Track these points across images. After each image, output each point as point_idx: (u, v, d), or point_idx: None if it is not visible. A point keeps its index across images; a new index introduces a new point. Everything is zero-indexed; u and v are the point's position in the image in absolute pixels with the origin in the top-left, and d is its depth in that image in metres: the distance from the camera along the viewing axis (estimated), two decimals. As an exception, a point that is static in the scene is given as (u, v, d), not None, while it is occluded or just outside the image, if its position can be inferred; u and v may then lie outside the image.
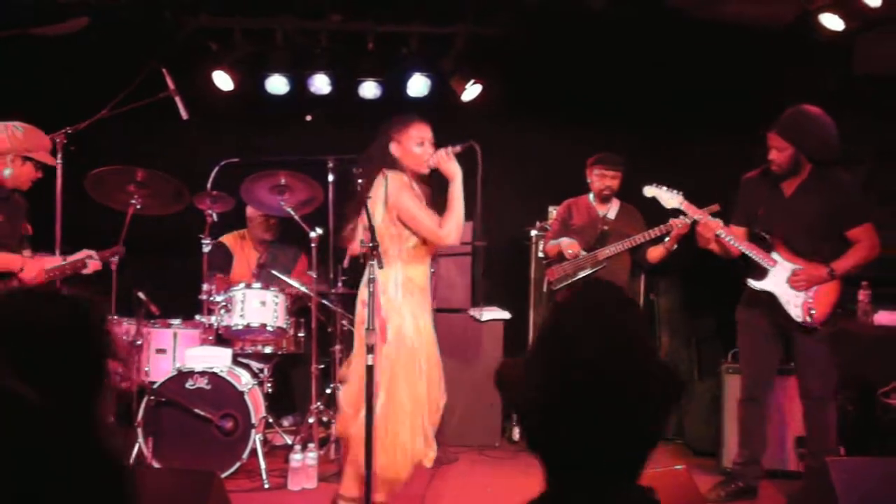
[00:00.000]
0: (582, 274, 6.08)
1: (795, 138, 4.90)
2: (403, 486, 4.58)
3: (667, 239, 5.91)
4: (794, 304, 4.93)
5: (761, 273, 5.02)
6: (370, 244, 4.16)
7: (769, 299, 4.99)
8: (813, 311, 4.90)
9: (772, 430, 5.47)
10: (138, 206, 5.58)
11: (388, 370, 4.37)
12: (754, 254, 5.01)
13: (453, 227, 4.51)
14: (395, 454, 4.38)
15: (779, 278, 4.97)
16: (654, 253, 6.10)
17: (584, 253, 6.08)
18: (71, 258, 5.05)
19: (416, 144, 4.58)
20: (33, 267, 4.83)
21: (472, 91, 7.05)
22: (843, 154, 5.02)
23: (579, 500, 1.39)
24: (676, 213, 5.46)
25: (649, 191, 5.37)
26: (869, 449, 5.39)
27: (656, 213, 5.95)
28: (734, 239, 5.04)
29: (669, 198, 5.25)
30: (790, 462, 5.61)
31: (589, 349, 1.38)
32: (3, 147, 4.79)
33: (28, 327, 1.61)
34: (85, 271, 5.10)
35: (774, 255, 5.00)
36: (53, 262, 5.03)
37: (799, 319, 4.92)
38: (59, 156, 5.35)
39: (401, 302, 4.47)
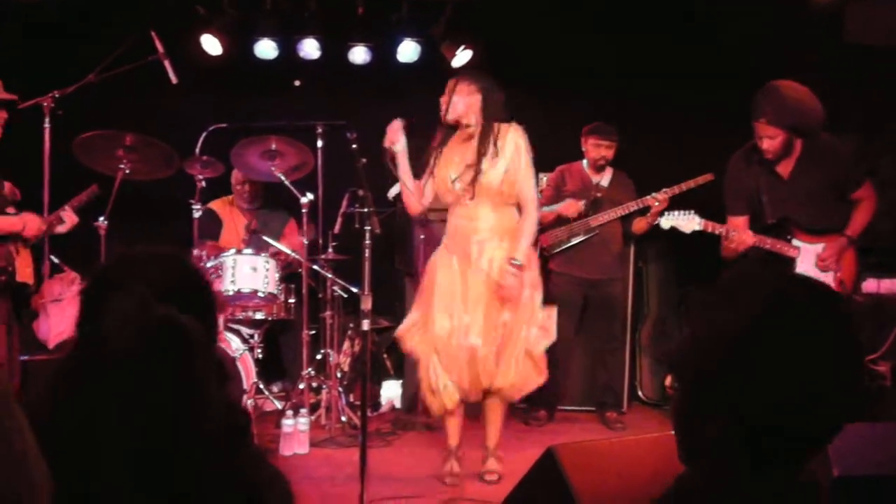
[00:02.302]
0: (575, 240, 6.10)
1: (786, 122, 4.80)
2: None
3: (649, 213, 5.91)
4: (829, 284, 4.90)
5: (789, 261, 4.95)
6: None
7: None
8: (843, 283, 4.90)
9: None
10: (127, 171, 5.52)
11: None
12: (779, 248, 4.93)
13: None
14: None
15: (807, 264, 4.92)
16: (638, 226, 6.13)
17: (577, 220, 6.10)
18: (45, 218, 5.00)
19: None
20: (33, 222, 4.77)
21: (462, 57, 7.00)
22: (828, 119, 4.99)
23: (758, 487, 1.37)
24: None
25: (667, 222, 5.26)
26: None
27: (649, 181, 5.96)
28: (762, 241, 4.93)
29: (686, 222, 5.11)
30: None
31: (816, 336, 1.35)
32: None
33: (184, 276, 1.77)
34: (61, 228, 5.05)
35: (796, 243, 4.95)
36: None
37: None
38: (47, 120, 5.29)
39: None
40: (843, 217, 4.96)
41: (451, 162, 4.72)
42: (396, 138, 4.75)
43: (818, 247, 4.91)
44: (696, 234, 5.36)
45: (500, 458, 4.84)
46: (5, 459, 0.91)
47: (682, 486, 1.41)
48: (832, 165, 4.94)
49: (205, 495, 1.21)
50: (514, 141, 4.65)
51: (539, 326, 4.70)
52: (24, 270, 4.73)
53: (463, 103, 4.66)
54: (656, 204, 5.77)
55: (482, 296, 4.58)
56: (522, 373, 4.67)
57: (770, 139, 4.85)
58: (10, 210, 4.92)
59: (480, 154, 4.60)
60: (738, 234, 4.94)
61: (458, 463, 4.80)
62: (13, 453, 0.92)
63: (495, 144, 4.61)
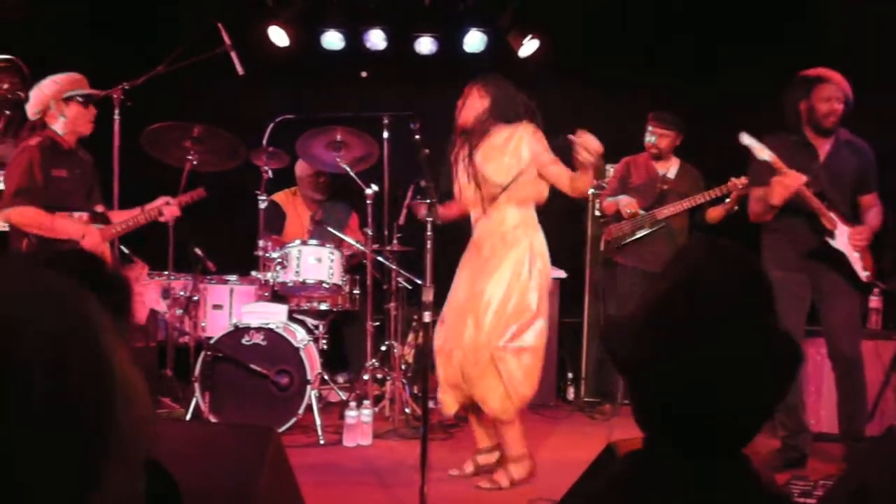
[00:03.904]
0: (640, 234, 6.01)
1: (848, 93, 4.81)
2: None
3: (727, 200, 5.80)
4: (860, 265, 4.83)
5: (829, 232, 4.85)
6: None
7: (834, 261, 4.85)
8: (867, 271, 4.82)
9: (834, 396, 5.40)
10: (195, 162, 5.59)
11: None
12: (824, 212, 4.81)
13: None
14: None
15: (843, 239, 4.86)
16: (714, 213, 5.99)
17: (642, 212, 5.99)
18: (148, 207, 5.12)
19: None
20: (94, 235, 4.86)
21: (529, 46, 6.95)
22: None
23: (681, 468, 1.32)
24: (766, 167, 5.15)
25: (746, 139, 5.07)
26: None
27: (716, 173, 5.84)
28: (812, 199, 4.78)
29: (761, 149, 4.92)
30: (821, 423, 5.54)
31: (722, 306, 1.30)
32: (42, 101, 4.81)
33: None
34: (161, 219, 5.18)
35: (832, 215, 4.87)
36: (131, 213, 5.12)
37: (866, 280, 4.82)
38: (117, 111, 5.36)
39: None
40: (857, 216, 4.94)
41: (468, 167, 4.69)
42: None
43: (847, 228, 4.83)
44: (759, 228, 5.23)
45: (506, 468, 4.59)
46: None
47: (616, 469, 1.39)
48: (861, 161, 4.92)
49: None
50: (521, 140, 4.58)
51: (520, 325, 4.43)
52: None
53: (471, 110, 4.63)
54: (739, 187, 5.64)
55: (470, 300, 4.50)
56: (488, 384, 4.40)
57: (838, 102, 4.80)
58: (99, 207, 5.02)
59: (487, 158, 4.56)
60: (794, 172, 4.77)
61: (474, 465, 4.71)
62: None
63: (505, 146, 4.56)
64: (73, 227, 4.81)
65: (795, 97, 4.92)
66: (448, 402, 4.62)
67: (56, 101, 4.82)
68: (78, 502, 0.90)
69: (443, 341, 4.54)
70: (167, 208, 5.16)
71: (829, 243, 4.86)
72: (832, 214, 4.82)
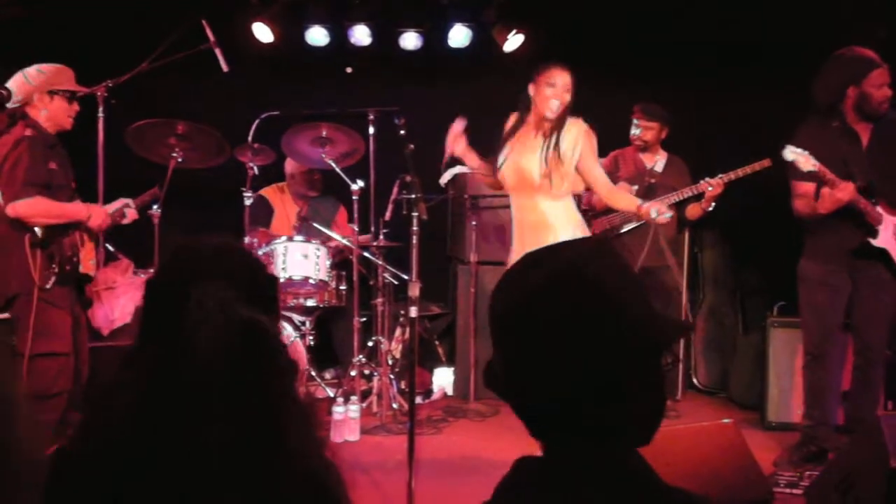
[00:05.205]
0: (628, 227, 6.02)
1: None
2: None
3: (703, 199, 5.80)
4: None
5: (871, 231, 4.75)
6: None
7: (875, 256, 4.75)
8: None
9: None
10: (179, 160, 5.56)
11: None
12: (869, 211, 4.70)
13: None
14: None
15: (887, 234, 4.74)
16: (692, 212, 6.01)
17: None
18: (109, 208, 5.01)
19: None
20: (99, 213, 4.80)
21: (514, 41, 6.93)
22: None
23: (561, 464, 1.35)
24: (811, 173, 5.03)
25: (790, 153, 4.86)
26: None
27: (703, 167, 5.85)
28: (858, 200, 4.65)
29: (805, 160, 4.66)
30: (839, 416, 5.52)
31: (560, 327, 1.33)
32: (25, 92, 4.71)
33: (250, 268, 1.77)
34: (124, 222, 5.08)
35: (878, 210, 4.75)
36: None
37: None
38: (101, 109, 5.33)
39: None
40: None
41: (526, 149, 4.72)
42: (457, 143, 4.80)
43: (894, 219, 4.76)
44: (752, 223, 5.25)
45: None
46: None
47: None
48: None
49: (281, 482, 1.25)
50: (576, 134, 4.69)
51: None
52: (87, 262, 4.77)
53: (566, 97, 4.69)
54: (710, 189, 5.65)
55: None
56: None
57: (889, 87, 4.68)
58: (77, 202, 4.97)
59: (557, 146, 4.65)
60: (846, 182, 4.63)
61: None
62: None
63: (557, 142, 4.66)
64: (79, 209, 4.73)
65: (843, 80, 4.75)
66: None
67: (41, 94, 4.74)
68: None
69: None
70: (129, 211, 5.06)
71: (869, 243, 4.77)
72: (879, 209, 4.72)
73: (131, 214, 5.08)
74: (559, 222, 4.65)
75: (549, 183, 4.62)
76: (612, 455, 1.33)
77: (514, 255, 4.75)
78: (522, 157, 4.71)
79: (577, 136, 4.68)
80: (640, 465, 1.34)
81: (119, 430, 1.22)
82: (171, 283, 1.69)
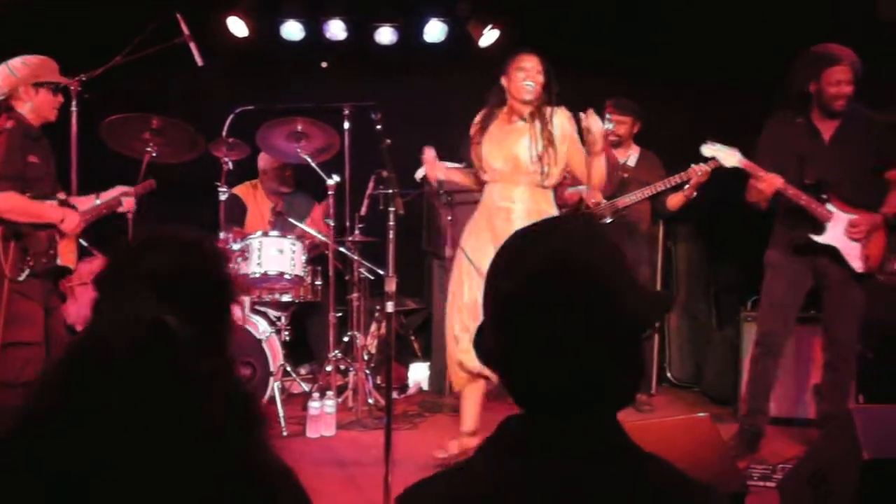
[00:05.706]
0: (601, 222, 6.03)
1: (859, 70, 4.73)
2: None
3: (686, 186, 5.84)
4: (854, 255, 4.78)
5: (818, 227, 4.81)
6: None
7: (831, 253, 4.81)
8: (869, 259, 4.78)
9: (791, 379, 5.47)
10: (154, 154, 5.52)
11: None
12: (813, 208, 4.78)
13: None
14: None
15: (837, 231, 4.78)
16: (674, 200, 6.03)
17: (604, 201, 6.02)
18: (105, 196, 5.00)
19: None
20: (73, 218, 4.76)
21: (489, 36, 6.95)
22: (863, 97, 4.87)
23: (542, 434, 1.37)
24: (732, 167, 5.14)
25: (708, 150, 4.99)
26: (889, 397, 5.35)
27: (676, 160, 5.88)
28: (798, 196, 4.77)
29: (728, 156, 4.88)
30: (809, 410, 5.57)
31: (560, 304, 1.35)
32: (11, 83, 4.67)
33: (174, 272, 1.78)
34: (120, 210, 5.06)
35: (829, 207, 4.79)
36: (88, 202, 4.98)
37: (861, 270, 4.79)
38: (74, 103, 5.28)
39: None
40: (880, 196, 4.85)
41: (510, 135, 4.70)
42: (436, 170, 4.89)
43: (851, 216, 4.80)
44: (727, 217, 5.27)
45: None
46: None
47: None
48: (872, 137, 4.84)
49: (207, 490, 1.22)
50: (563, 119, 4.70)
51: None
52: (67, 255, 4.73)
53: (538, 82, 4.67)
54: (698, 174, 5.66)
55: None
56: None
57: (848, 85, 4.73)
58: (61, 195, 4.89)
59: (544, 136, 4.65)
60: (771, 175, 4.76)
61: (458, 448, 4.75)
62: None
63: (546, 127, 4.65)
64: (54, 211, 4.70)
65: (805, 76, 4.84)
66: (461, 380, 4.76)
67: (26, 86, 4.69)
68: None
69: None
70: (126, 199, 5.07)
71: (811, 238, 4.83)
72: (831, 206, 4.79)
73: (128, 203, 5.07)
74: (535, 216, 4.63)
75: (541, 167, 4.62)
76: (595, 422, 1.37)
77: (473, 241, 4.75)
78: (508, 142, 4.68)
79: (563, 122, 4.69)
80: (620, 432, 1.39)
81: (42, 418, 1.21)
82: (109, 277, 1.74)
